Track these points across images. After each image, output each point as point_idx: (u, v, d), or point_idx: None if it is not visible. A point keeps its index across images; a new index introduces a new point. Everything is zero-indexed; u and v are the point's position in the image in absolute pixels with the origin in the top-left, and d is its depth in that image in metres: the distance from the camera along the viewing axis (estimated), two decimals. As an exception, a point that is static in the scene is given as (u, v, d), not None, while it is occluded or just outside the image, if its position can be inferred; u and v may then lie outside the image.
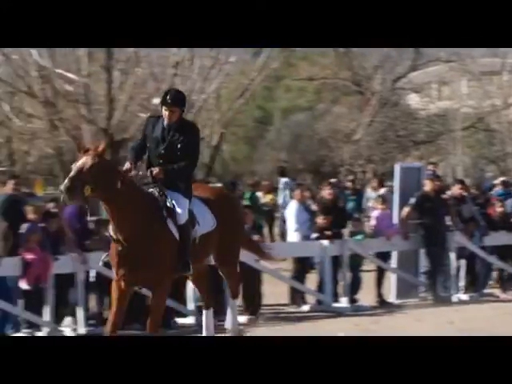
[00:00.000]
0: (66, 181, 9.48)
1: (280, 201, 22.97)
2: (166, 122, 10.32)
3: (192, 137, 10.49)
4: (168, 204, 10.18)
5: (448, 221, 17.65)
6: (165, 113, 10.27)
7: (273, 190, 23.69)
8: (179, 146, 10.34)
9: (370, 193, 24.48)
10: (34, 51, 23.45)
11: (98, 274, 14.44)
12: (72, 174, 9.55)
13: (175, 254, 10.09)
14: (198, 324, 14.41)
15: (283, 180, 24.15)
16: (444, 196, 18.26)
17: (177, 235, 10.13)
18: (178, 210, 10.24)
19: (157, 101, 25.99)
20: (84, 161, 9.60)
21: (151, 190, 10.23)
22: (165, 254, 9.98)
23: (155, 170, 10.22)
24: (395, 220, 17.63)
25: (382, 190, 23.18)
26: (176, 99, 10.33)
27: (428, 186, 17.60)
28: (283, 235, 20.25)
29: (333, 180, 23.53)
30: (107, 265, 10.46)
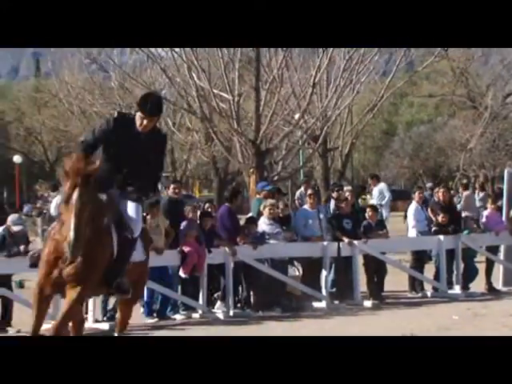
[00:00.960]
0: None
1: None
2: (139, 129, 8.21)
3: (164, 150, 8.68)
4: (123, 216, 8.30)
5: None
6: (142, 120, 8.16)
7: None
8: (151, 158, 8.31)
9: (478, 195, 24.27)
10: (194, 74, 23.90)
11: (244, 264, 14.52)
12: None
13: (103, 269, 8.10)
14: (329, 308, 14.72)
15: (381, 184, 23.80)
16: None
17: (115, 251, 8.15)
18: (134, 223, 8.37)
19: (297, 116, 26.34)
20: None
21: (106, 196, 8.09)
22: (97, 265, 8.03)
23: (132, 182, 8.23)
24: (503, 218, 17.38)
25: (481, 194, 23.05)
26: (158, 108, 8.34)
27: (533, 188, 17.28)
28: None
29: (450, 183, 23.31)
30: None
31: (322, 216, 15.67)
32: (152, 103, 8.13)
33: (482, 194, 23.75)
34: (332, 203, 16.76)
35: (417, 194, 17.68)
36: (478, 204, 23.62)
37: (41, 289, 8.00)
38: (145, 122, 8.13)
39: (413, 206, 17.14)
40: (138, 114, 8.14)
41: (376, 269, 15.75)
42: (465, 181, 29.80)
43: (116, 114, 8.61)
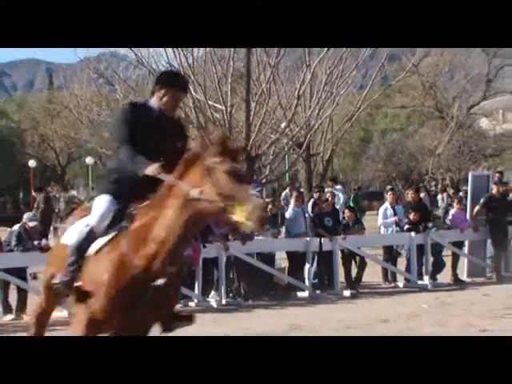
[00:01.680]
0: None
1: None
2: (162, 109, 6.02)
3: (187, 135, 6.40)
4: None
5: (509, 216, 17.33)
6: (168, 98, 5.98)
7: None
8: (178, 145, 6.09)
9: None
10: (191, 88, 23.86)
11: (235, 258, 14.50)
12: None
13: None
14: (312, 297, 14.73)
15: (338, 187, 23.76)
16: (507, 198, 18.08)
17: None
18: None
19: (283, 125, 26.36)
20: None
21: None
22: None
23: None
24: (467, 216, 17.44)
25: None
26: (188, 86, 6.39)
27: (494, 189, 17.37)
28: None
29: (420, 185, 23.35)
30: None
31: (306, 215, 15.74)
32: (183, 78, 6.32)
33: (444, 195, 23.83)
34: (310, 203, 16.83)
35: (389, 194, 17.72)
36: (440, 204, 23.73)
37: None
38: (171, 99, 6.02)
39: (383, 207, 17.18)
40: (158, 95, 6.01)
41: (358, 262, 15.84)
42: (433, 183, 29.89)
43: (127, 103, 6.56)
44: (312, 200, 16.97)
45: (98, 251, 5.77)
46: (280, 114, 25.67)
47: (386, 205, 17.07)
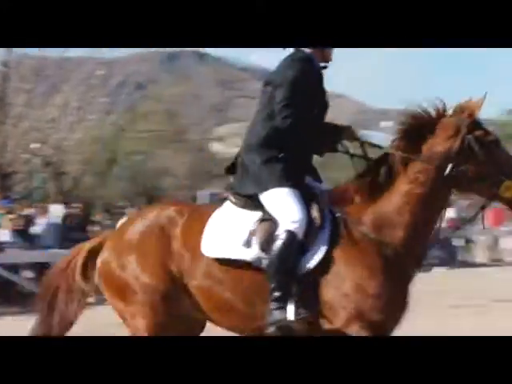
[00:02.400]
0: None
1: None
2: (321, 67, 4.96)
3: None
4: None
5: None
6: (327, 53, 4.97)
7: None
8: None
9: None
10: None
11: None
12: None
13: None
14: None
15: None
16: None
17: None
18: None
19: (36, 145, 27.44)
20: None
21: None
22: None
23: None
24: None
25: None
26: None
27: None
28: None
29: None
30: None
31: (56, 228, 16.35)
32: None
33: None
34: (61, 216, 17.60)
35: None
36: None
37: None
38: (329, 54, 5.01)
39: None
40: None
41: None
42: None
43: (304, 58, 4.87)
44: (63, 214, 18.23)
45: (326, 261, 4.49)
46: (33, 135, 26.94)
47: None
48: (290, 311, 4.41)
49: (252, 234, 4.54)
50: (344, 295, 4.41)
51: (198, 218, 4.76)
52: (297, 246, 4.45)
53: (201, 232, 4.66)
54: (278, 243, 4.44)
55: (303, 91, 4.60)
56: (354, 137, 4.77)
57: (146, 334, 4.74)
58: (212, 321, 4.87)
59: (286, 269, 4.39)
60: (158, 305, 4.72)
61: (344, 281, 4.42)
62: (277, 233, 4.48)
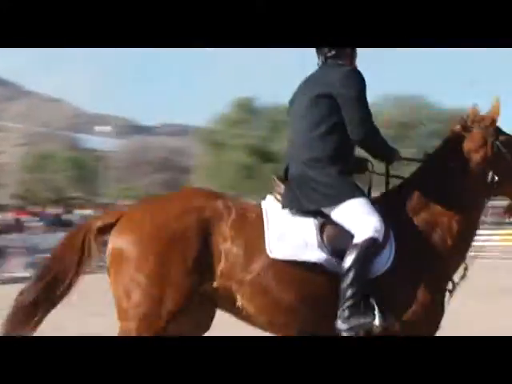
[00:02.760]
0: None
1: None
2: None
3: None
4: None
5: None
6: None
7: None
8: None
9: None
10: None
11: None
12: None
13: None
14: None
15: None
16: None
17: None
18: None
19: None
20: None
21: None
22: None
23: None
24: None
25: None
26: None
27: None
28: None
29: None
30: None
31: None
32: None
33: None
34: None
35: None
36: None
37: None
38: None
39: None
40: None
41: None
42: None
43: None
44: None
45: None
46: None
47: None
48: (377, 316, 4.52)
49: (322, 237, 4.63)
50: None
51: (246, 215, 4.70)
52: (377, 252, 4.59)
53: (254, 231, 4.63)
54: (358, 252, 4.52)
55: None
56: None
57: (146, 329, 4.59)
58: (252, 317, 4.73)
59: (367, 274, 4.53)
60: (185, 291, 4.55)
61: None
62: (356, 241, 4.56)
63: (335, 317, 4.53)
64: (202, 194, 4.86)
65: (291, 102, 5.00)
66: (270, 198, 4.83)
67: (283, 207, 4.71)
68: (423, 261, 4.65)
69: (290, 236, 4.60)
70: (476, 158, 4.82)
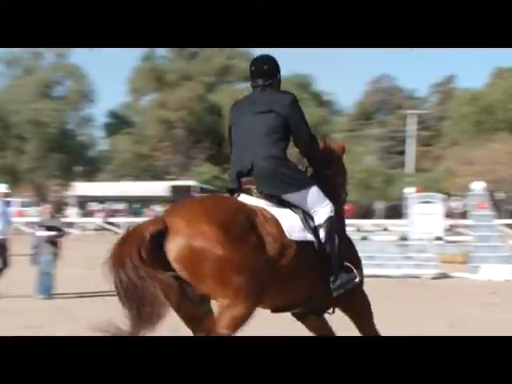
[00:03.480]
0: None
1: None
2: None
3: None
4: None
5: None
6: None
7: None
8: None
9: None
10: None
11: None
12: None
13: None
14: None
15: None
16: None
17: None
18: None
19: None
20: None
21: None
22: None
23: None
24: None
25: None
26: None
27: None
28: None
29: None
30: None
31: None
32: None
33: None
34: None
35: None
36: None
37: None
38: None
39: None
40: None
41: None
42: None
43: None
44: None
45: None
46: None
47: None
48: (355, 272, 5.63)
49: (303, 222, 5.55)
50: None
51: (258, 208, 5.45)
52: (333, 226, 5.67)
53: (271, 220, 5.37)
54: (328, 227, 5.61)
55: None
56: None
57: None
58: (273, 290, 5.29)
59: (335, 243, 5.59)
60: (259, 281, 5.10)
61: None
62: (319, 221, 5.61)
63: (325, 281, 5.51)
64: (227, 197, 5.61)
65: (236, 118, 5.71)
66: (245, 196, 5.53)
67: (265, 197, 5.49)
68: (343, 226, 5.96)
69: (293, 223, 5.47)
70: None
